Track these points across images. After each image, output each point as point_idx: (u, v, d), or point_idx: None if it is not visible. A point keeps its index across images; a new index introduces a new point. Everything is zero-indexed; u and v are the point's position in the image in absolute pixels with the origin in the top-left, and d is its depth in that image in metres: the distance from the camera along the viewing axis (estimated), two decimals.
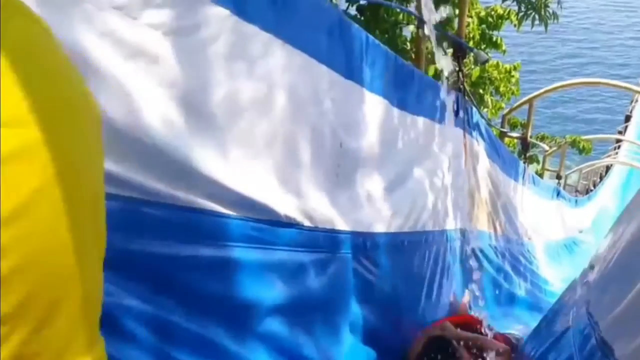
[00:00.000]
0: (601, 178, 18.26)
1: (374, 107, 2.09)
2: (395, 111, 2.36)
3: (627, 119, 20.95)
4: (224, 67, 1.36)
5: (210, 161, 1.32)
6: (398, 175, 2.35)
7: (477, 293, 3.41)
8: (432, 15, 2.05)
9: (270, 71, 1.49)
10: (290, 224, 1.57)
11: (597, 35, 34.83)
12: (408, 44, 4.75)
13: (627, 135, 18.52)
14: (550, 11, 5.85)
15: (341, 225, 1.83)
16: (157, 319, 1.20)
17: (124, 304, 1.13)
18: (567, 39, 33.53)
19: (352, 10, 4.53)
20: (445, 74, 2.47)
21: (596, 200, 14.74)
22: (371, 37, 2.06)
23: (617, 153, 17.69)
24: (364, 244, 1.98)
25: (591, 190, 16.82)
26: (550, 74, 25.26)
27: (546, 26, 5.93)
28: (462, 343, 2.32)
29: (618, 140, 17.54)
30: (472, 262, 3.67)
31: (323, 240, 1.74)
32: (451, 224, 3.12)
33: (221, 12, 1.35)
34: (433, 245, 2.71)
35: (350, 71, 1.91)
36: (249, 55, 1.44)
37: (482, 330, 2.60)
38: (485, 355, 2.36)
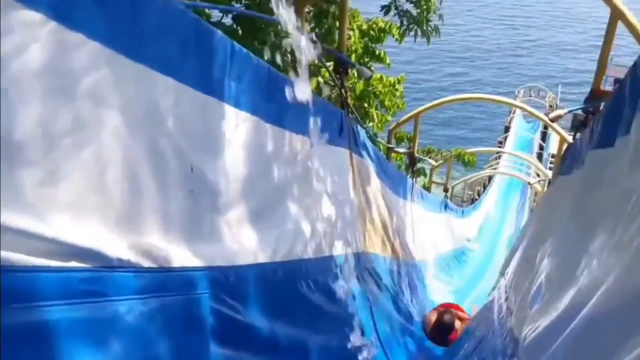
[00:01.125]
0: (484, 187, 19.23)
1: (238, 124, 1.86)
2: (269, 128, 2.14)
3: (507, 129, 22.47)
4: (35, 85, 1.10)
5: (16, 204, 1.05)
6: (268, 200, 2.12)
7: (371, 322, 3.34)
8: (289, 16, 1.88)
9: (98, 87, 1.23)
10: (125, 267, 1.30)
11: (478, 54, 37.14)
12: (289, 55, 4.58)
13: (506, 146, 19.90)
14: (432, 25, 5.91)
15: (193, 261, 1.58)
16: None
17: None
18: (454, 57, 35.53)
19: (228, 20, 4.30)
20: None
21: (481, 209, 15.48)
22: (239, 46, 1.83)
23: (498, 163, 18.75)
24: (225, 279, 1.73)
25: (476, 200, 17.64)
26: (437, 91, 26.53)
27: (428, 40, 5.99)
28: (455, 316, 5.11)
29: (499, 151, 18.62)
30: (369, 288, 3.54)
31: (170, 282, 1.48)
32: (340, 250, 2.94)
33: (33, 17, 1.08)
34: (317, 274, 2.51)
35: (207, 84, 1.67)
36: (71, 69, 1.17)
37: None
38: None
